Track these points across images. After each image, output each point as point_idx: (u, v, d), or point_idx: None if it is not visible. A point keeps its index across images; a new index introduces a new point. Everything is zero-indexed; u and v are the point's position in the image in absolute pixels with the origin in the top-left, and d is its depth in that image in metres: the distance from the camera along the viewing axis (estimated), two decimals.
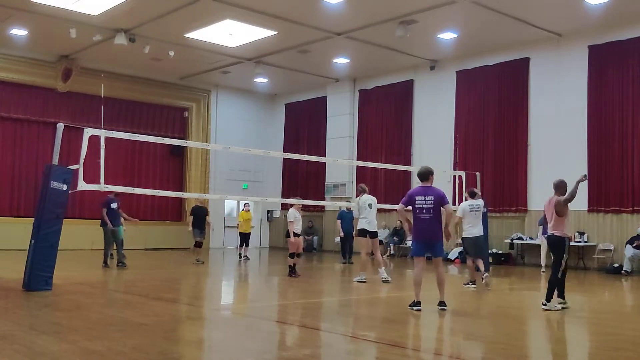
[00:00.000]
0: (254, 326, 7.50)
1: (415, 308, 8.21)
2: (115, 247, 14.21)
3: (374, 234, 12.18)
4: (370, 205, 12.12)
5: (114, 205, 14.28)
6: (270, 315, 8.48)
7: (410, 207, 8.44)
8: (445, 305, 8.34)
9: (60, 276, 11.34)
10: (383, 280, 11.77)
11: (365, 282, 11.73)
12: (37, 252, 9.39)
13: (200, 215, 16.00)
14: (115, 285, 11.70)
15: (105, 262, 14.04)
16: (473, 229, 11.20)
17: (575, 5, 14.85)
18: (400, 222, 15.03)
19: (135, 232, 16.84)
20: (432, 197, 8.18)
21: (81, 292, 10.13)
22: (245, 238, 17.68)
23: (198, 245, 16.04)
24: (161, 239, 21.60)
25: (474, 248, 11.34)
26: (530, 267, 16.80)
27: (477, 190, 12.11)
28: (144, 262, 16.18)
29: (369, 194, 12.57)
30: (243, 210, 18.07)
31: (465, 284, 11.60)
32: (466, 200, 11.80)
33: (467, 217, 11.23)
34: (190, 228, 15.89)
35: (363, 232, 12.08)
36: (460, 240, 12.57)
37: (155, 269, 14.92)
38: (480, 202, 11.48)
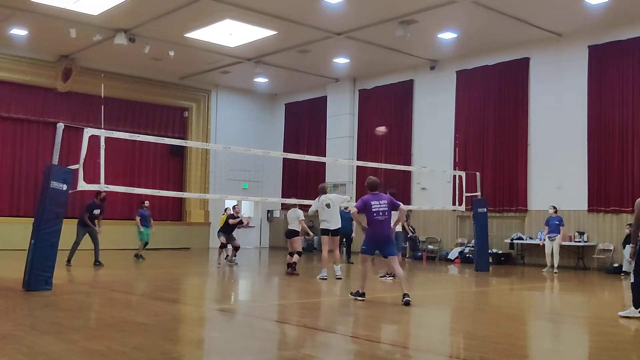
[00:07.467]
0: (254, 326, 7.50)
1: (359, 297, 9.12)
2: (93, 247, 14.39)
3: (335, 232, 12.42)
4: (328, 205, 12.28)
5: (96, 212, 14.43)
6: (270, 315, 8.48)
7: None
8: (409, 297, 8.62)
9: (61, 276, 11.36)
10: (337, 278, 12.08)
11: (326, 278, 11.96)
12: (37, 252, 9.39)
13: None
14: (115, 285, 11.69)
15: (68, 260, 13.90)
16: None
17: (575, 5, 14.86)
18: (404, 227, 15.28)
19: (134, 232, 16.81)
20: (386, 201, 9.15)
21: (81, 292, 10.14)
22: None
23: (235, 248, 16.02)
24: (161, 239, 21.52)
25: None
26: (530, 267, 16.82)
27: (394, 190, 12.46)
28: (149, 262, 16.19)
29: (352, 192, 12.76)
30: (224, 214, 16.80)
31: (381, 277, 12.61)
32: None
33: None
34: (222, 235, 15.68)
35: (325, 231, 12.35)
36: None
37: (157, 269, 14.92)
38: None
